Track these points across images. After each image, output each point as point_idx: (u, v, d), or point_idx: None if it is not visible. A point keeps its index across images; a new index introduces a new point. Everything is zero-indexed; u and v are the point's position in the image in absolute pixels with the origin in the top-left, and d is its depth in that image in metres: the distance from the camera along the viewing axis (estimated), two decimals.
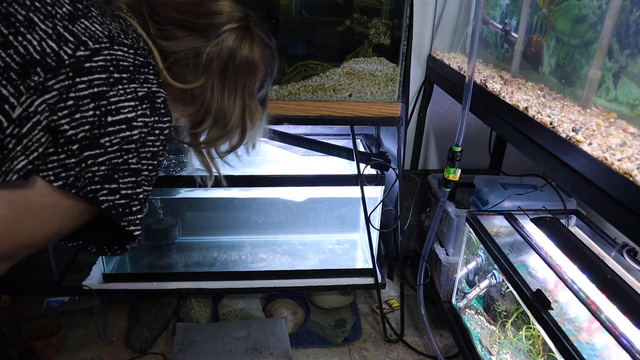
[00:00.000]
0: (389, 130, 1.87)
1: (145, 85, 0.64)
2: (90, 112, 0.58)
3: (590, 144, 0.89)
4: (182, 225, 2.01)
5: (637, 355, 0.90)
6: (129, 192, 0.64)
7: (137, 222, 0.67)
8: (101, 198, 0.61)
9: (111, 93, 0.60)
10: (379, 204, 1.72)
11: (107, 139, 0.60)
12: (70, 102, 0.57)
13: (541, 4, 1.23)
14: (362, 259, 1.99)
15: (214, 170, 0.85)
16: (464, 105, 1.31)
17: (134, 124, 0.61)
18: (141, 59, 0.64)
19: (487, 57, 1.59)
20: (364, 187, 1.66)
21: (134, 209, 0.65)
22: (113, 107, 0.60)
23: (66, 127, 0.57)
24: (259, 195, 1.91)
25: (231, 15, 0.75)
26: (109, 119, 0.59)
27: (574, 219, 1.49)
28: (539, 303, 1.08)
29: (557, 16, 1.16)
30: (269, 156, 1.81)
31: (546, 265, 1.21)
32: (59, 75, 0.57)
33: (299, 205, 2.01)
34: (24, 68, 0.56)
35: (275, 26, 1.52)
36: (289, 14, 1.54)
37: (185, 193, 1.77)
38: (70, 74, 0.57)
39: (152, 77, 0.65)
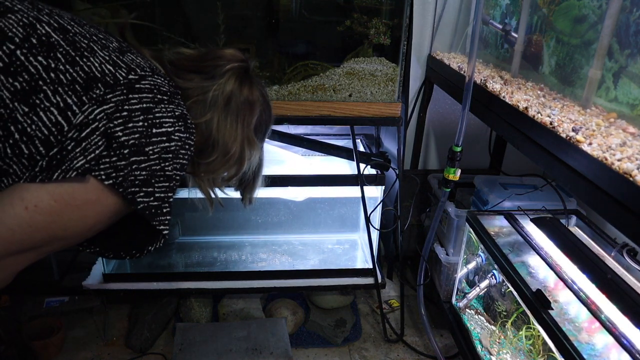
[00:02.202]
0: (389, 130, 1.87)
1: (179, 107, 0.76)
2: (140, 123, 0.69)
3: (590, 144, 0.89)
4: (182, 225, 2.01)
5: (637, 355, 0.90)
6: (162, 195, 0.73)
7: (167, 222, 0.75)
8: (138, 199, 0.70)
9: (156, 109, 0.72)
10: (379, 204, 1.72)
11: (151, 147, 0.70)
12: (125, 113, 0.68)
13: (541, 4, 1.23)
14: (362, 259, 1.99)
15: (213, 196, 0.94)
16: (464, 105, 1.31)
17: (172, 137, 0.73)
18: (173, 89, 0.77)
19: (487, 57, 1.59)
20: (364, 187, 1.66)
21: (164, 210, 0.74)
22: (157, 120, 0.71)
23: (120, 133, 0.67)
24: (259, 195, 1.91)
25: (233, 57, 0.87)
26: (154, 130, 0.70)
27: (574, 219, 1.49)
28: (539, 303, 1.08)
29: (557, 16, 1.16)
30: (269, 156, 1.80)
31: (546, 265, 1.21)
32: (116, 91, 0.69)
33: (299, 205, 2.01)
34: (88, 83, 0.68)
35: (275, 26, 1.52)
36: (289, 13, 1.54)
37: (185, 193, 1.76)
38: (125, 91, 0.70)
39: (182, 102, 0.78)
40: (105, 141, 0.67)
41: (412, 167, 2.13)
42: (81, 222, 0.69)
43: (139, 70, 0.73)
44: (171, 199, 0.75)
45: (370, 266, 1.80)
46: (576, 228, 1.48)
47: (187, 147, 0.76)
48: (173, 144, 0.73)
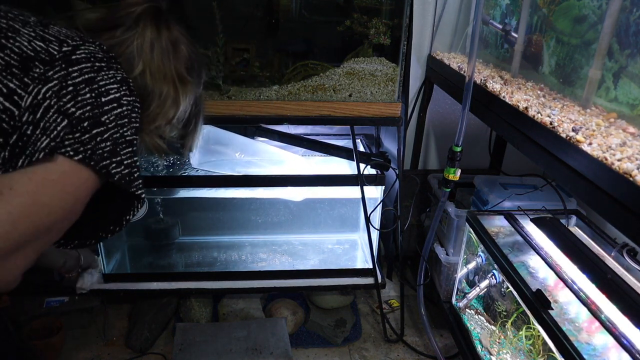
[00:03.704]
0: (389, 130, 1.87)
1: (119, 71, 0.75)
2: (88, 95, 0.68)
3: (590, 144, 0.89)
4: (182, 225, 2.01)
5: (637, 355, 0.90)
6: (130, 161, 0.74)
7: (141, 186, 0.76)
8: (113, 171, 0.71)
9: (98, 78, 0.71)
10: (379, 204, 1.72)
11: (106, 117, 0.70)
12: (71, 88, 0.67)
13: (541, 4, 1.23)
14: (362, 259, 1.99)
15: (160, 146, 0.91)
16: (464, 105, 1.31)
17: (122, 101, 0.73)
18: (106, 54, 0.75)
19: (487, 57, 1.59)
20: (364, 187, 1.66)
21: (135, 175, 0.75)
22: (103, 89, 0.70)
23: (73, 109, 0.66)
24: (259, 195, 1.91)
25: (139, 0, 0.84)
26: (103, 99, 0.70)
27: (574, 219, 1.49)
28: (539, 303, 1.08)
29: (557, 16, 1.16)
30: (269, 156, 1.81)
31: (546, 265, 1.21)
32: (55, 67, 0.67)
33: (299, 205, 2.01)
34: (24, 63, 0.65)
35: (275, 26, 1.52)
36: (289, 13, 1.54)
37: (185, 193, 1.77)
38: (63, 65, 0.68)
39: (119, 66, 0.76)
40: (64, 118, 0.66)
41: (412, 167, 2.13)
42: (63, 201, 0.67)
43: (70, 41, 0.71)
44: (137, 162, 0.76)
45: (370, 266, 1.80)
46: (576, 228, 1.48)
47: (136, 109, 0.76)
48: (124, 108, 0.73)
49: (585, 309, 1.05)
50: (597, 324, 1.01)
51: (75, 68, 0.69)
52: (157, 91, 0.83)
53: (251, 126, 1.63)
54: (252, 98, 1.48)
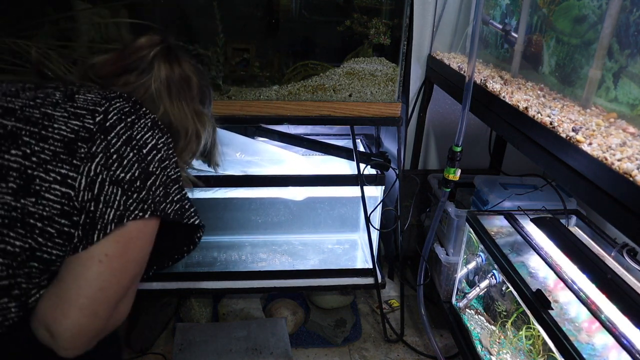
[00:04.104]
0: (389, 130, 1.87)
1: (147, 117, 0.79)
2: (131, 154, 0.74)
3: (590, 144, 0.89)
4: None
5: (637, 355, 0.90)
6: (179, 196, 0.80)
7: (194, 214, 0.83)
8: (169, 212, 0.77)
9: (135, 133, 0.75)
10: (379, 204, 1.72)
11: (151, 166, 0.76)
12: (115, 156, 0.72)
13: (541, 4, 1.23)
14: (362, 259, 1.99)
15: (189, 178, 0.97)
16: (464, 105, 1.31)
17: (159, 146, 0.78)
18: (132, 104, 0.79)
19: (487, 57, 1.59)
20: (364, 187, 1.66)
21: (187, 206, 0.81)
22: (141, 141, 0.76)
23: (122, 174, 0.72)
24: (259, 195, 1.91)
25: (151, 42, 0.87)
26: (144, 151, 0.75)
27: (574, 219, 1.49)
28: (539, 303, 1.08)
29: (557, 16, 1.16)
30: (269, 156, 1.81)
31: (546, 265, 1.21)
32: (96, 141, 0.72)
33: (299, 205, 2.01)
34: (69, 147, 0.71)
35: (275, 26, 1.52)
36: (289, 13, 1.54)
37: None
38: (102, 137, 0.72)
39: (146, 109, 0.80)
40: (118, 187, 0.71)
41: (412, 167, 2.13)
42: (145, 249, 0.77)
43: (99, 108, 0.75)
44: (186, 194, 0.82)
45: (370, 266, 1.80)
46: (576, 228, 1.48)
47: (170, 146, 0.81)
48: (163, 151, 0.78)
49: (585, 309, 1.05)
50: (597, 324, 1.00)
51: (113, 134, 0.73)
52: (182, 130, 0.88)
53: (251, 126, 1.64)
54: (252, 98, 1.48)
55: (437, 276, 1.82)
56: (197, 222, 0.82)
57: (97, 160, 0.71)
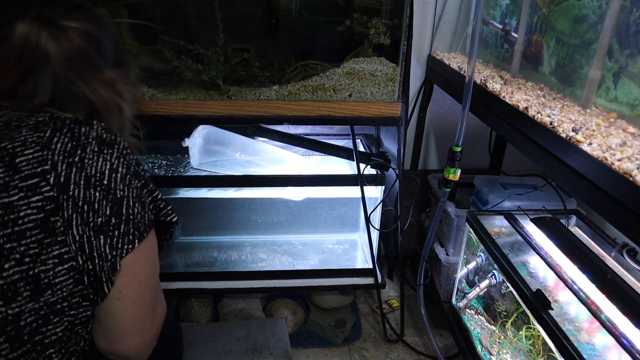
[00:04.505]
0: (389, 130, 1.87)
1: (90, 138, 0.74)
2: (96, 194, 0.72)
3: (590, 144, 0.89)
4: (182, 225, 2.01)
5: (637, 355, 0.90)
6: (151, 198, 0.83)
7: (170, 212, 0.87)
8: (150, 220, 0.80)
9: (88, 171, 0.72)
10: (379, 204, 1.72)
11: (117, 192, 0.74)
12: (85, 207, 0.72)
13: (541, 4, 1.23)
14: (362, 259, 1.99)
15: (135, 144, 0.92)
16: (464, 105, 1.31)
17: (114, 165, 0.75)
18: (68, 132, 0.73)
19: (487, 57, 1.59)
20: (364, 187, 1.66)
21: (161, 205, 0.85)
22: (98, 175, 0.73)
23: (100, 219, 0.72)
24: (259, 195, 1.91)
25: (23, 30, 0.74)
26: (104, 182, 0.73)
27: (574, 219, 1.49)
28: (539, 303, 1.08)
29: (557, 16, 1.16)
30: (269, 156, 1.81)
31: (546, 265, 1.21)
32: (62, 205, 0.70)
33: (299, 205, 2.01)
34: (46, 228, 0.70)
35: (275, 26, 1.52)
36: (289, 13, 1.54)
37: (185, 193, 1.76)
38: (63, 195, 0.70)
39: (84, 129, 0.74)
40: (101, 235, 0.73)
41: (412, 167, 2.13)
42: (150, 265, 0.81)
43: (46, 167, 0.70)
44: (157, 193, 0.84)
45: (370, 266, 1.80)
46: (576, 228, 1.48)
47: (124, 151, 0.78)
48: (120, 166, 0.76)
49: (585, 309, 1.05)
50: (597, 324, 1.00)
51: (72, 187, 0.71)
52: (110, 107, 0.83)
53: (251, 126, 1.64)
54: (252, 98, 1.48)
55: (437, 276, 1.82)
56: (173, 219, 0.87)
57: (74, 223, 0.71)
